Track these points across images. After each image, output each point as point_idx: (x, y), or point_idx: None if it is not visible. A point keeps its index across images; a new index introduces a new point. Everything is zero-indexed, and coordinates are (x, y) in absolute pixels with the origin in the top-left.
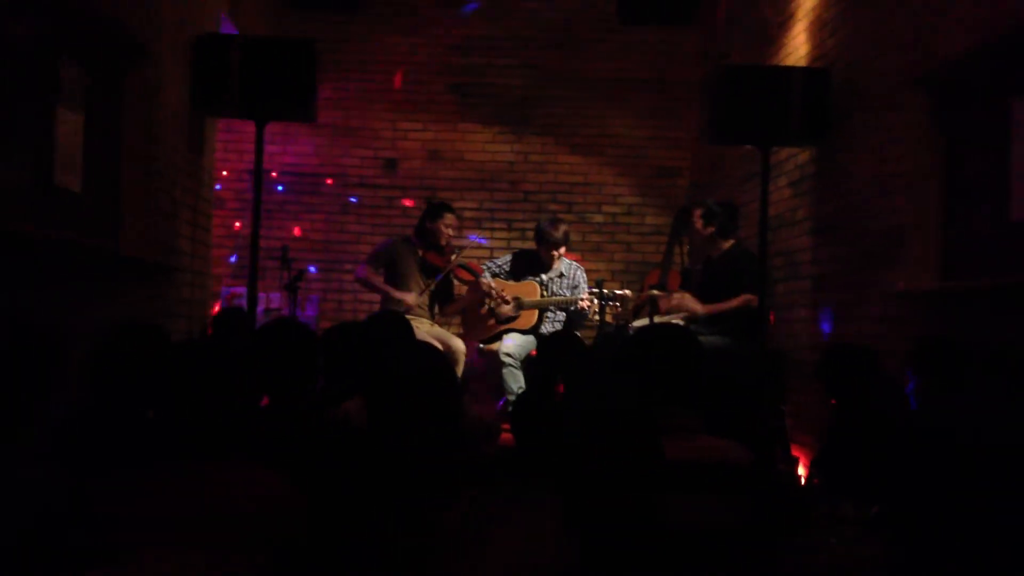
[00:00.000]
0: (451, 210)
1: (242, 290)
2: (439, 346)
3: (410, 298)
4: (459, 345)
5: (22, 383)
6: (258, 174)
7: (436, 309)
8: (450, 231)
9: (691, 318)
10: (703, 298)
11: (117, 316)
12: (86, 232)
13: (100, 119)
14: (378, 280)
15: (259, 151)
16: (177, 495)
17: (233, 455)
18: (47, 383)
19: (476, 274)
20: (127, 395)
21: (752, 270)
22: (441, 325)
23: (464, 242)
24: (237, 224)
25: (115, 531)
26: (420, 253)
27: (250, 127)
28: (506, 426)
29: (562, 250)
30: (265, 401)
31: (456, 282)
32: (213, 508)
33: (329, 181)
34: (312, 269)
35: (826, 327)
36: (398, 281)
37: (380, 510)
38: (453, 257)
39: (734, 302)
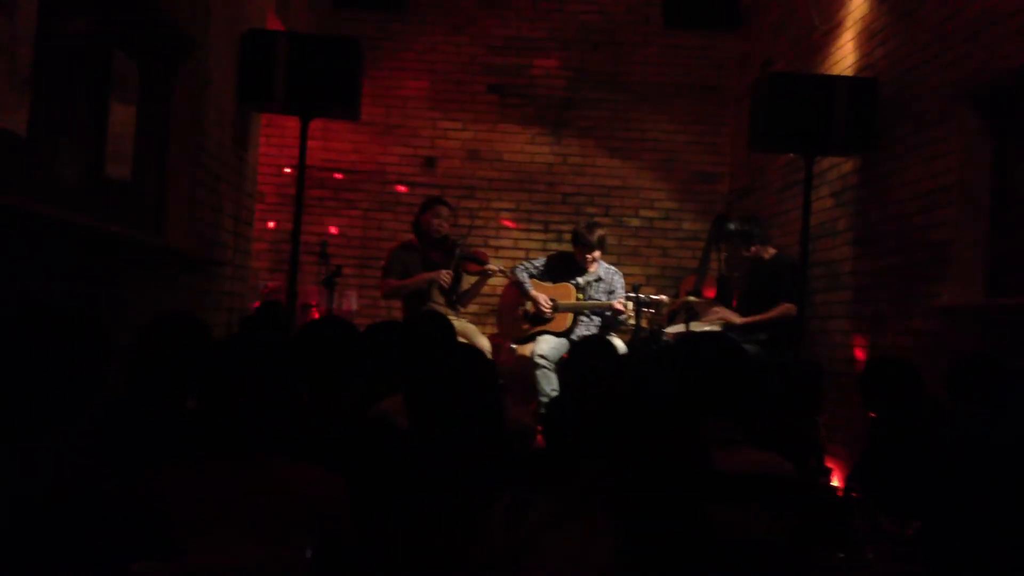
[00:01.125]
0: (442, 202)
1: (278, 284)
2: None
3: (444, 274)
4: (484, 343)
5: (73, 373)
6: (301, 170)
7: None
8: (438, 221)
9: (728, 326)
10: (747, 304)
11: (160, 308)
12: (134, 223)
13: (150, 112)
14: (402, 281)
15: (303, 147)
16: (224, 489)
17: (275, 450)
18: (97, 374)
19: (482, 261)
20: (166, 387)
21: (793, 280)
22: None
23: (462, 232)
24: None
25: (162, 524)
26: (423, 253)
27: (291, 122)
28: (539, 428)
29: (595, 255)
30: (305, 397)
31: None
32: (260, 502)
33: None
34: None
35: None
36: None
37: (421, 508)
38: (456, 251)
39: (773, 312)
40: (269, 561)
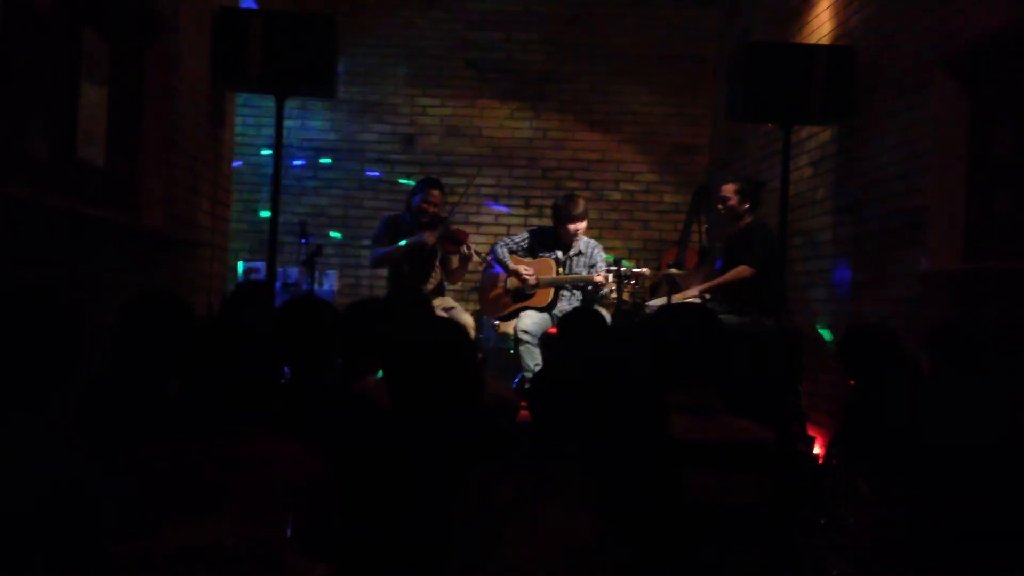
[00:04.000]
0: (436, 186)
1: (259, 265)
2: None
3: (428, 236)
4: (468, 320)
5: (50, 355)
6: (278, 148)
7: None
8: (428, 206)
9: (708, 296)
10: (723, 272)
11: (138, 290)
12: (108, 205)
13: (122, 92)
14: (388, 249)
15: (279, 126)
16: (204, 468)
17: (255, 429)
18: (74, 356)
19: (459, 241)
20: (148, 366)
21: (759, 243)
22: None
23: (447, 212)
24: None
25: (141, 504)
26: (414, 227)
27: (268, 101)
28: (523, 403)
29: (580, 226)
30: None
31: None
32: (240, 480)
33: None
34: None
35: None
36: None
37: (403, 483)
38: (440, 229)
39: (726, 276)
40: (249, 539)
